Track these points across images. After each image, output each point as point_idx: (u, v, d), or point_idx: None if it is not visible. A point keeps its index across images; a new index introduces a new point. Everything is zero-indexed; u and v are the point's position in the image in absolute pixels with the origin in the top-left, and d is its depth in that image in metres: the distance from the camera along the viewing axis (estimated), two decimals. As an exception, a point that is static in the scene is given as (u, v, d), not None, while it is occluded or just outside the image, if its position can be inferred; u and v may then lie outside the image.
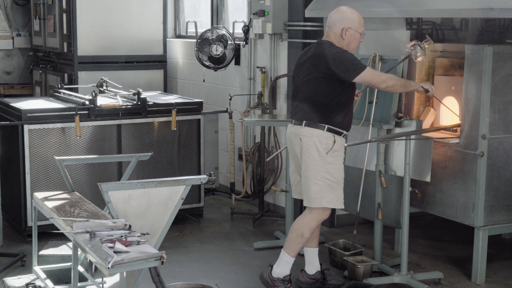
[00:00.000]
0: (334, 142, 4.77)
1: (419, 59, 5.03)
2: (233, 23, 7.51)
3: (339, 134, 4.80)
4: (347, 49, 4.83)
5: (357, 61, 4.75)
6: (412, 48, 5.01)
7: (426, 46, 5.04)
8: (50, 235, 5.48)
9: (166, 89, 8.25)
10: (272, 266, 4.96)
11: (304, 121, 4.80)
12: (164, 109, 6.39)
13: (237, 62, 7.37)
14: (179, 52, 8.45)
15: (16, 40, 9.44)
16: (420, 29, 5.90)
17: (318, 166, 4.77)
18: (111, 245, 3.43)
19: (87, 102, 6.10)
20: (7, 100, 6.48)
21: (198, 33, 7.98)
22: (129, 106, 6.26)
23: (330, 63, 4.68)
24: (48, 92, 8.31)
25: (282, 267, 4.92)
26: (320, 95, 4.75)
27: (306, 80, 4.81)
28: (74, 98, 6.36)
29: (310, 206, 4.85)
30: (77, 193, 4.83)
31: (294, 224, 4.93)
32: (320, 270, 5.09)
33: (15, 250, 5.75)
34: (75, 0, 7.70)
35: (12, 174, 6.08)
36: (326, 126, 4.75)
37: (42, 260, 4.89)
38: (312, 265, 5.09)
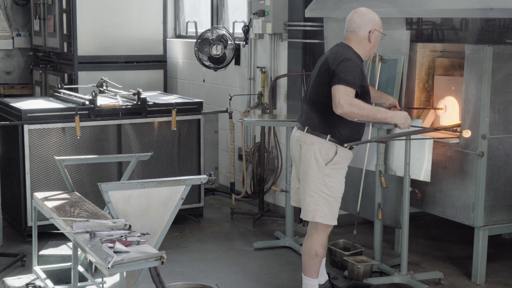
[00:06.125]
0: (336, 153, 4.44)
1: None
2: (233, 23, 7.51)
3: (343, 145, 4.46)
4: (370, 52, 4.54)
5: (356, 77, 4.32)
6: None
7: None
8: (50, 235, 5.49)
9: (166, 89, 8.25)
10: None
11: (306, 127, 4.49)
12: (164, 109, 6.38)
13: (237, 62, 7.37)
14: (179, 52, 8.45)
15: (16, 40, 9.44)
16: (420, 29, 5.89)
17: (315, 177, 4.45)
18: (111, 245, 3.43)
19: (87, 102, 6.10)
20: (7, 100, 6.48)
21: (198, 33, 7.98)
22: (129, 106, 6.25)
23: (333, 62, 4.35)
24: (48, 92, 8.32)
25: None
26: (324, 99, 4.40)
27: (314, 82, 4.50)
28: (74, 98, 6.35)
29: (302, 218, 4.57)
30: (77, 193, 4.83)
31: (304, 246, 4.62)
32: (328, 279, 4.97)
33: (15, 250, 5.75)
34: (75, 0, 7.70)
35: (12, 174, 6.08)
36: (329, 135, 4.42)
37: (42, 260, 4.88)
38: (321, 275, 4.85)
